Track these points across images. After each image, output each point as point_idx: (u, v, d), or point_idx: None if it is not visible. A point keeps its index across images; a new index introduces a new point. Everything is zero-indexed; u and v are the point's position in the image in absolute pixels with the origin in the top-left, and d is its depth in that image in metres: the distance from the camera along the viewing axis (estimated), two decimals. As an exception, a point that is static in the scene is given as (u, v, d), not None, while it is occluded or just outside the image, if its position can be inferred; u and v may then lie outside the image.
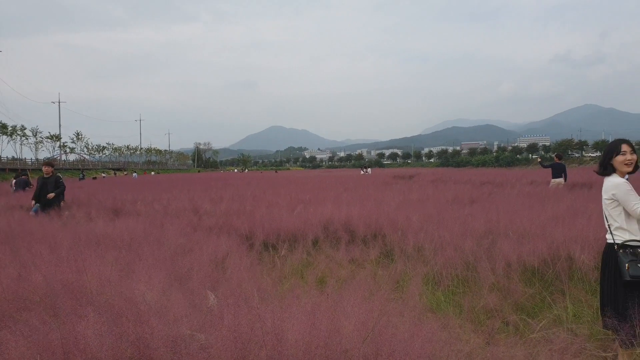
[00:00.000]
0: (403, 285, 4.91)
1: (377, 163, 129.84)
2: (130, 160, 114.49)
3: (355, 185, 18.91)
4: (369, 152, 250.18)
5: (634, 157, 3.57)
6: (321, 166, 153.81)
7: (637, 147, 3.65)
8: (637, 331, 3.26)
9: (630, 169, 3.57)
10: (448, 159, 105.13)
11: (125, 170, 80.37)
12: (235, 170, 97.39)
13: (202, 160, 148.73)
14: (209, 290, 3.58)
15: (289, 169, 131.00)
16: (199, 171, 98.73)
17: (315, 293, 3.35)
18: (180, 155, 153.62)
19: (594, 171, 3.77)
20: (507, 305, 4.28)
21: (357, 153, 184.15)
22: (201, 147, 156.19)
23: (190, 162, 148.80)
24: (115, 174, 68.35)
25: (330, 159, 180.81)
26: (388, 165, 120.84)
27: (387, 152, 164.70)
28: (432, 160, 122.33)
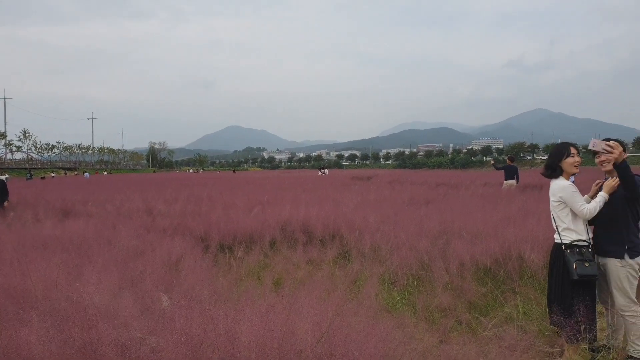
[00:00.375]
0: (360, 285, 4.94)
1: (336, 164, 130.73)
2: (81, 159, 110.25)
3: (314, 186, 18.93)
4: (328, 153, 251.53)
5: (580, 159, 3.75)
6: (280, 167, 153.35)
7: (583, 150, 3.82)
8: (581, 327, 3.40)
9: (577, 170, 3.75)
10: (405, 161, 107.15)
11: (76, 170, 77.34)
12: (191, 170, 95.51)
13: (157, 160, 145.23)
14: (162, 292, 3.48)
15: (247, 169, 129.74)
16: (154, 171, 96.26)
17: (271, 294, 3.32)
18: (134, 154, 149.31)
19: (541, 173, 3.89)
20: (460, 304, 4.37)
21: (316, 154, 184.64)
22: (156, 146, 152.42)
23: (145, 162, 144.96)
24: (65, 173, 65.59)
25: (290, 159, 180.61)
26: (347, 167, 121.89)
27: (346, 154, 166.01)
28: (389, 161, 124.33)
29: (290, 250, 6.44)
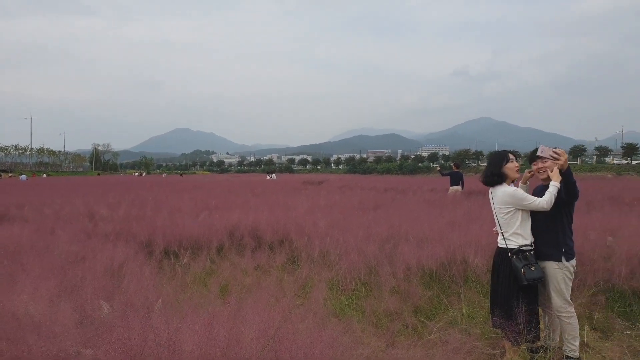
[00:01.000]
0: (308, 290, 4.90)
1: (288, 168, 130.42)
2: (18, 161, 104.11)
3: (265, 191, 18.77)
4: (279, 158, 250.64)
5: (519, 164, 3.90)
6: (230, 170, 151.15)
7: (525, 157, 3.98)
8: (522, 329, 3.52)
9: (518, 175, 3.88)
10: (355, 166, 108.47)
11: (11, 172, 72.95)
12: (136, 173, 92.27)
13: (100, 162, 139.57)
14: (103, 300, 3.32)
15: (195, 173, 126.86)
16: (98, 174, 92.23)
17: (216, 302, 3.23)
18: (76, 157, 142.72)
19: (482, 182, 3.94)
20: (407, 308, 4.43)
21: (267, 158, 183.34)
22: (100, 148, 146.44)
23: (88, 164, 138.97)
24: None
25: (240, 163, 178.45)
26: (298, 171, 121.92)
27: (298, 158, 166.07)
28: (340, 166, 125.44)
29: (238, 256, 6.32)
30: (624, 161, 74.25)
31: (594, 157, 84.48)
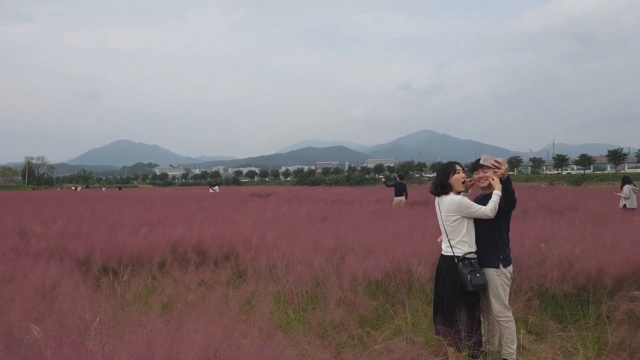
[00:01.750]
0: (254, 305, 4.83)
1: (235, 181, 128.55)
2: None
3: (210, 204, 18.41)
4: (226, 170, 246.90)
5: (465, 175, 4.05)
6: (174, 184, 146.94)
7: (466, 169, 4.17)
8: (463, 335, 3.62)
9: (463, 188, 4.01)
10: (304, 178, 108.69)
11: None
12: (73, 187, 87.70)
13: (34, 176, 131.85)
14: (33, 323, 3.10)
15: (137, 186, 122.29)
16: (33, 189, 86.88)
17: (157, 319, 3.10)
18: (7, 170, 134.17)
19: (430, 192, 4.08)
20: (353, 319, 4.44)
21: (213, 170, 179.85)
22: (34, 161, 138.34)
23: (20, 178, 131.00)
24: None
25: (184, 176, 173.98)
26: (246, 184, 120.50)
27: (245, 170, 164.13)
28: (289, 178, 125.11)
29: (182, 271, 6.13)
30: (555, 171, 78.85)
31: (529, 168, 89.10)
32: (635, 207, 12.92)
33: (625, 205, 12.97)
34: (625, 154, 72.06)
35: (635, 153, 71.29)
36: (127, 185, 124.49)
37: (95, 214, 13.47)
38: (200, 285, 5.65)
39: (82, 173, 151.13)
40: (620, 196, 13.43)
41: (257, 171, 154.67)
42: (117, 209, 15.62)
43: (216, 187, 36.85)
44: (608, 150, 71.18)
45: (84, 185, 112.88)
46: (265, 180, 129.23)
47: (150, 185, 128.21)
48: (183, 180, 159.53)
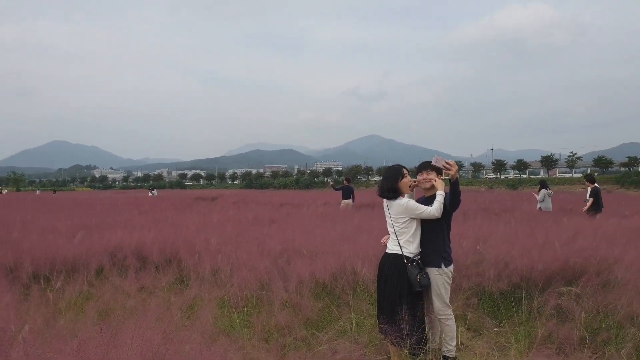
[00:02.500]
0: (197, 310, 4.72)
1: (179, 184, 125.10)
2: None
3: (153, 208, 17.84)
4: (169, 173, 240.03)
5: (411, 180, 4.17)
6: (114, 187, 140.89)
7: (411, 173, 4.30)
8: (405, 333, 3.71)
9: (410, 191, 4.16)
10: (252, 181, 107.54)
11: None
12: (5, 191, 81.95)
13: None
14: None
15: (74, 189, 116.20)
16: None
17: (93, 327, 2.96)
18: None
19: (379, 195, 4.17)
20: (298, 321, 4.44)
21: (156, 173, 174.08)
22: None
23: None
24: None
25: (125, 179, 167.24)
26: (191, 187, 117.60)
27: (190, 173, 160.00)
28: (236, 182, 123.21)
29: (121, 277, 5.89)
30: (494, 176, 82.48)
31: (470, 172, 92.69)
32: (551, 209, 13.76)
33: (540, 208, 13.79)
34: (556, 160, 76.58)
35: (565, 159, 75.88)
36: (63, 188, 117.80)
37: (26, 218, 12.70)
38: (140, 291, 5.45)
39: (12, 175, 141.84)
40: (536, 198, 14.30)
41: (202, 174, 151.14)
42: (52, 213, 14.81)
43: (155, 190, 35.70)
44: (541, 156, 75.40)
45: (14, 188, 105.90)
46: (211, 184, 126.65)
47: (89, 189, 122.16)
48: (124, 183, 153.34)
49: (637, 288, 4.57)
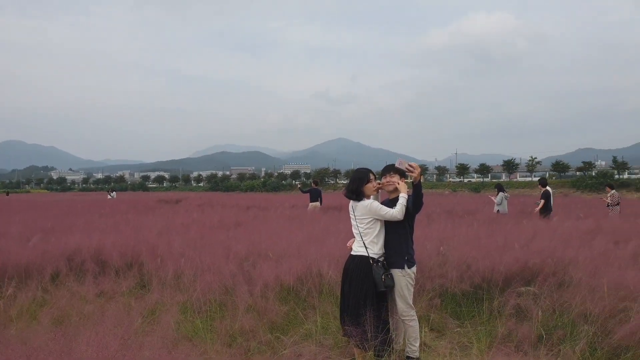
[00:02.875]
0: (160, 315, 4.60)
1: (142, 186, 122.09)
2: None
3: (113, 211, 17.36)
4: (132, 175, 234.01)
5: (376, 183, 4.21)
6: (73, 189, 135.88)
7: (377, 176, 4.34)
8: (369, 335, 3.72)
9: (375, 193, 4.21)
10: (218, 183, 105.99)
11: None
12: None
13: None
14: None
15: (29, 191, 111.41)
16: None
17: (46, 334, 2.83)
18: None
19: (345, 195, 4.23)
20: (262, 325, 4.40)
21: (117, 175, 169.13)
22: None
23: None
24: None
25: (85, 181, 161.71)
26: (154, 189, 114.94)
27: (153, 175, 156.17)
28: (201, 184, 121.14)
29: (79, 283, 5.69)
30: (458, 179, 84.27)
31: (434, 176, 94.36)
32: (507, 212, 14.22)
33: (498, 211, 14.22)
34: (517, 164, 78.95)
35: (526, 163, 78.30)
36: (17, 190, 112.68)
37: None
38: (99, 297, 5.29)
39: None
40: (494, 201, 14.74)
41: (166, 176, 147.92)
42: (3, 217, 14.19)
43: (114, 192, 34.69)
44: (503, 161, 77.53)
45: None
46: (175, 186, 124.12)
47: (46, 191, 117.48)
48: (84, 185, 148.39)
49: (590, 287, 4.74)
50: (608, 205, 14.51)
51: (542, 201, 12.46)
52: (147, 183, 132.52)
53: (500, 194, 14.36)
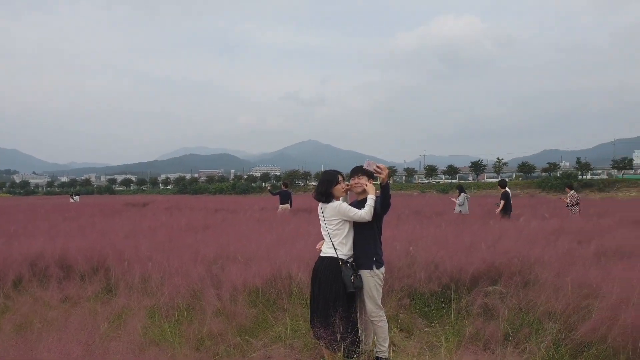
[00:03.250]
0: (126, 320, 4.51)
1: (108, 189, 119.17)
2: None
3: (79, 214, 16.91)
4: (98, 178, 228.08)
5: (345, 185, 4.24)
6: (37, 192, 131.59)
7: (347, 177, 4.38)
8: (338, 336, 3.74)
9: (345, 194, 4.24)
10: (186, 186, 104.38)
11: None
12: None
13: None
14: None
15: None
16: None
17: (8, 343, 2.74)
18: None
19: (314, 197, 4.25)
20: (232, 329, 4.36)
21: (83, 178, 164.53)
22: None
23: None
24: None
25: (50, 184, 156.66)
26: (121, 192, 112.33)
27: (120, 178, 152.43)
28: (169, 187, 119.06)
29: (42, 288, 5.52)
30: (426, 180, 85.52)
31: (403, 177, 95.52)
32: (468, 212, 14.59)
33: (460, 212, 14.56)
34: (484, 165, 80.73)
35: (493, 165, 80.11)
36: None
37: None
38: (63, 302, 5.14)
39: None
40: (455, 202, 15.10)
41: (133, 179, 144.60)
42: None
43: (77, 196, 33.63)
44: (471, 162, 79.15)
45: None
46: (142, 189, 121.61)
47: (8, 195, 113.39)
48: (49, 188, 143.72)
49: (554, 286, 4.89)
50: (568, 206, 15.01)
51: (502, 202, 12.87)
52: (114, 186, 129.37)
53: (462, 194, 14.71)
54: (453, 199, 15.63)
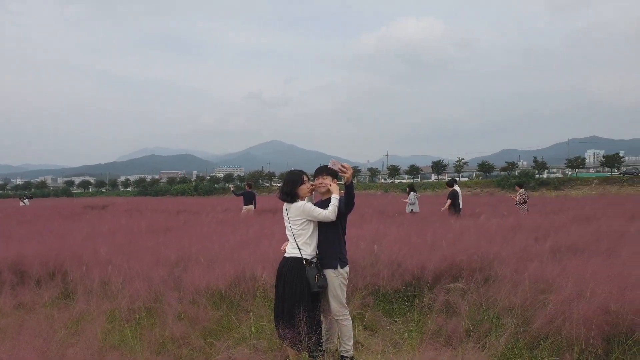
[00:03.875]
0: (85, 326, 4.37)
1: (65, 192, 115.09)
2: None
3: (35, 218, 16.27)
4: (54, 180, 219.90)
5: (309, 185, 4.25)
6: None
7: (311, 177, 4.39)
8: (303, 336, 3.75)
9: (310, 194, 4.24)
10: (147, 188, 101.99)
11: None
12: None
13: None
14: None
15: None
16: None
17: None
18: None
19: (279, 198, 4.25)
20: (195, 332, 4.30)
21: (39, 180, 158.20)
22: None
23: None
24: None
25: (2, 187, 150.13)
26: (79, 195, 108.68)
27: (78, 180, 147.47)
28: (129, 189, 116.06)
29: (-6, 295, 5.28)
30: (389, 180, 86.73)
31: (367, 177, 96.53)
32: (419, 211, 14.98)
33: (412, 210, 14.91)
34: (445, 165, 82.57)
35: (454, 164, 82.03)
36: None
37: None
38: (17, 309, 4.94)
39: None
40: (406, 202, 15.46)
41: (92, 181, 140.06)
42: None
43: (27, 200, 32.00)
44: (432, 162, 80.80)
45: None
46: (101, 191, 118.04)
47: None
48: (1, 191, 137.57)
49: (513, 282, 5.04)
50: (517, 204, 15.54)
51: (449, 201, 13.27)
52: (71, 188, 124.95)
53: (412, 193, 15.09)
54: (405, 200, 15.99)
